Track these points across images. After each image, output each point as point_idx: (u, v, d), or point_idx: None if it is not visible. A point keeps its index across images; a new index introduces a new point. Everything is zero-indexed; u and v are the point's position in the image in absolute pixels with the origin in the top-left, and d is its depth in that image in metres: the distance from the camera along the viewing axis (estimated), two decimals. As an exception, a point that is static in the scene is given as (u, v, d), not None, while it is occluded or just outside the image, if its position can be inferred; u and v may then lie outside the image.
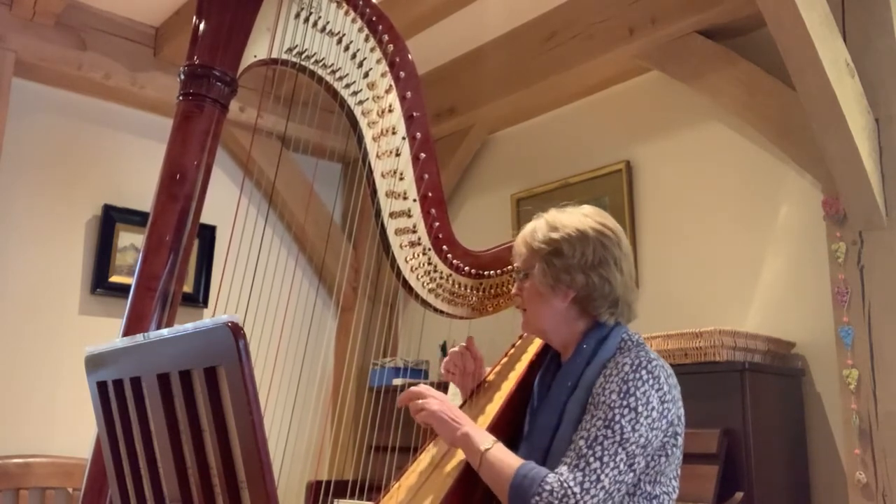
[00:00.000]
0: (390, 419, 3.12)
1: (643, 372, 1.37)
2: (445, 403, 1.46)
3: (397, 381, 3.40)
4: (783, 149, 2.57)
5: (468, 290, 1.77)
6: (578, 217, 1.53)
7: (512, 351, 1.77)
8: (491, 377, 1.72)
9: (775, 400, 2.41)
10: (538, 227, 1.54)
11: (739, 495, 2.20)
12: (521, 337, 1.79)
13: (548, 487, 1.29)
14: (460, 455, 1.47)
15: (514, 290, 1.60)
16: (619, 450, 1.32)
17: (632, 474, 1.34)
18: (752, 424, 2.25)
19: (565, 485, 1.29)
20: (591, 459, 1.31)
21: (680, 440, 1.43)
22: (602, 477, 1.30)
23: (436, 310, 1.79)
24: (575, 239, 1.49)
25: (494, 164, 3.76)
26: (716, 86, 2.71)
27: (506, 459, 1.37)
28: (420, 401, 1.46)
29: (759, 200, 2.73)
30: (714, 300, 2.79)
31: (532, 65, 3.24)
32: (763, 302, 2.67)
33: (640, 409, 1.34)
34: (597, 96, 3.34)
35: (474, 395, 1.69)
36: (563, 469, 1.32)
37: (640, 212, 3.09)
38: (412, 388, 1.50)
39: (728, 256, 2.78)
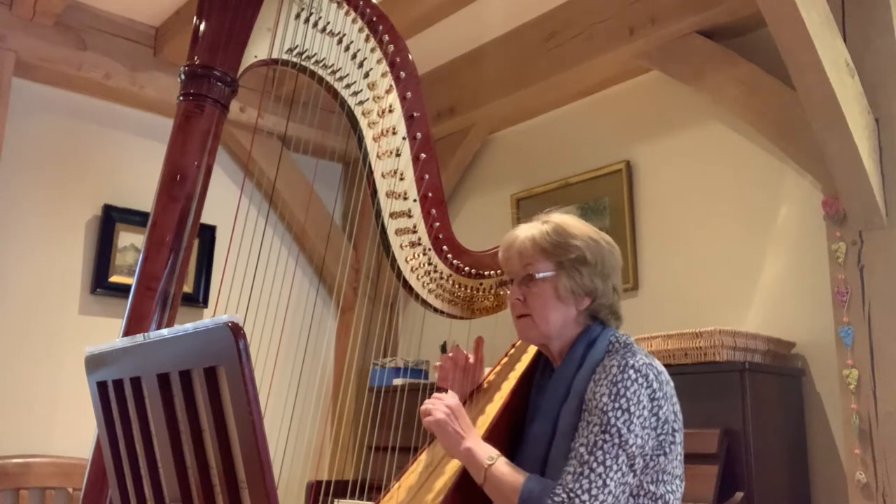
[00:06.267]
0: (390, 419, 3.12)
1: (631, 371, 1.37)
2: (455, 412, 1.45)
3: (397, 382, 3.39)
4: (783, 149, 2.57)
5: (468, 291, 1.77)
6: (583, 225, 1.54)
7: (512, 351, 1.77)
8: (491, 377, 1.72)
9: (775, 400, 2.41)
10: (551, 231, 1.51)
11: (739, 495, 2.20)
12: None
13: (557, 499, 1.30)
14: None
15: (514, 295, 1.54)
16: (620, 452, 1.32)
17: (632, 475, 1.34)
18: (752, 424, 2.25)
19: (573, 494, 1.30)
20: (595, 465, 1.31)
21: (678, 437, 1.42)
22: (608, 481, 1.31)
23: (436, 310, 1.79)
24: (594, 247, 1.51)
25: (494, 164, 3.76)
26: (716, 86, 2.71)
27: (510, 474, 1.37)
28: (429, 406, 1.47)
29: (759, 200, 2.73)
30: (714, 300, 2.79)
31: (532, 65, 3.24)
32: (763, 302, 2.67)
33: (632, 409, 1.34)
34: (597, 96, 3.34)
35: (474, 395, 1.69)
36: (568, 479, 1.32)
37: (640, 212, 3.09)
38: (430, 398, 1.50)
39: (728, 256, 2.78)
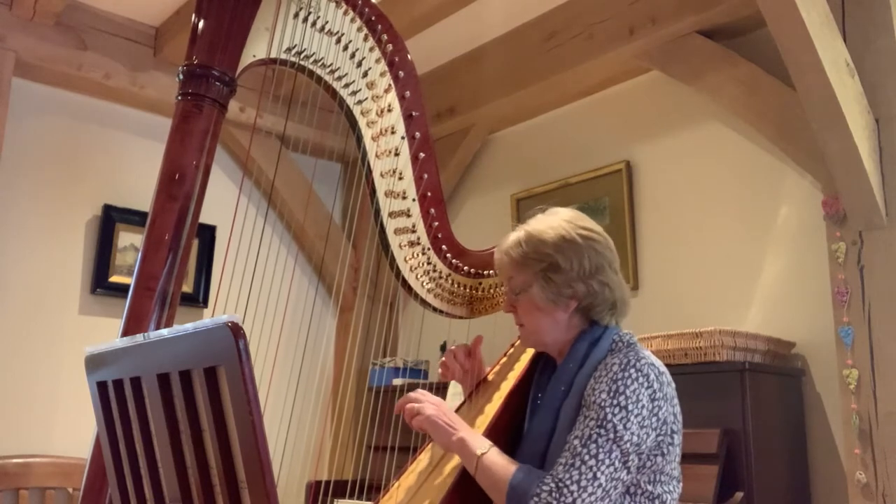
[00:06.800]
0: (390, 419, 3.12)
1: (632, 370, 1.37)
2: (441, 408, 1.46)
3: (397, 381, 3.40)
4: (783, 149, 2.56)
5: (467, 290, 1.77)
6: (561, 224, 1.50)
7: (511, 350, 1.77)
8: (490, 377, 1.72)
9: (775, 400, 2.41)
10: (523, 241, 1.50)
11: (739, 495, 2.20)
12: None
13: (546, 487, 1.30)
14: (459, 455, 1.47)
15: (505, 307, 1.57)
16: (614, 447, 1.32)
17: (625, 472, 1.34)
18: (752, 424, 2.25)
19: (562, 483, 1.29)
20: (587, 457, 1.31)
21: (677, 438, 1.42)
22: (598, 474, 1.30)
23: (435, 309, 1.79)
24: (568, 249, 1.46)
25: (494, 164, 3.76)
26: (716, 86, 2.71)
27: (502, 463, 1.37)
28: (416, 405, 1.46)
29: (759, 200, 2.73)
30: (714, 300, 2.79)
31: (532, 65, 3.24)
32: (763, 302, 2.67)
33: (630, 407, 1.34)
34: (597, 96, 3.34)
35: (473, 394, 1.69)
36: (559, 468, 1.32)
37: (640, 212, 3.09)
38: (408, 394, 1.49)
39: (728, 256, 2.78)
